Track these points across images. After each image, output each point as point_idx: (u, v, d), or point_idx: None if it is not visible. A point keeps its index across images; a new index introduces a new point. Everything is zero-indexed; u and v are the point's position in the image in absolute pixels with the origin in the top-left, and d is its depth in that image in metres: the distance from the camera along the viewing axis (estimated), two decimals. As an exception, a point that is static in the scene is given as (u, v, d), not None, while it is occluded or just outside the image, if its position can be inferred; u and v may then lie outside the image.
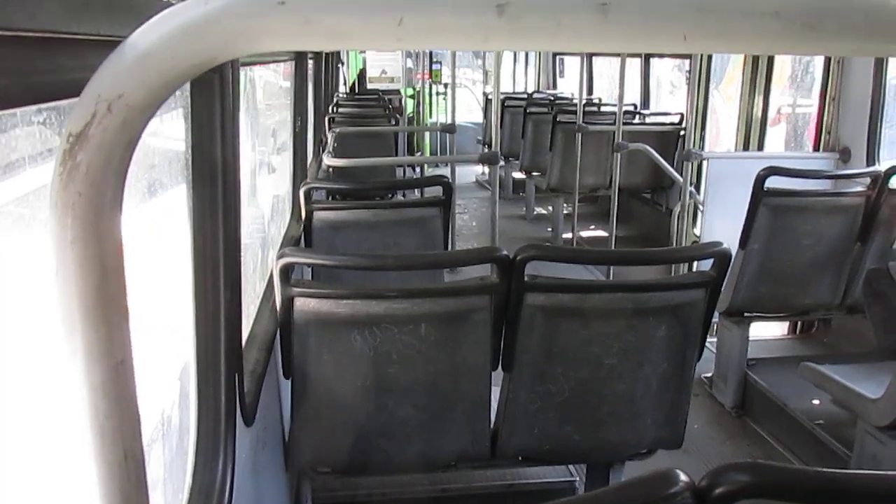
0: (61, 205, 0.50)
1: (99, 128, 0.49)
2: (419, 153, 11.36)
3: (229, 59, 0.52)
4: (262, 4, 0.49)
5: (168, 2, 0.85)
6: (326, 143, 5.61)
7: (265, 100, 4.54)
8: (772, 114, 5.79)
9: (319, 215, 3.45)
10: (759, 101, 5.58)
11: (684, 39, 0.54)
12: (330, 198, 4.93)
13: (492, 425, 2.44)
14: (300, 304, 2.18)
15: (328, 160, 4.48)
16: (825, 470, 1.00)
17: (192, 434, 1.60)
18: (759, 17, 0.53)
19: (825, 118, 4.89)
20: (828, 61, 4.88)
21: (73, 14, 0.80)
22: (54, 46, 0.79)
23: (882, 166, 4.16)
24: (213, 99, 1.54)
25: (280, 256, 2.18)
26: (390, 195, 5.71)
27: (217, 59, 0.51)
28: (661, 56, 8.20)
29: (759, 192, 3.69)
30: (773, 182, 3.70)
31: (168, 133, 1.63)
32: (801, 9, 0.53)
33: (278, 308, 2.20)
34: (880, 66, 4.53)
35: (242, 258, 1.84)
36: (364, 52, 10.49)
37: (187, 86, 1.55)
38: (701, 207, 5.03)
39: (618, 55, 5.93)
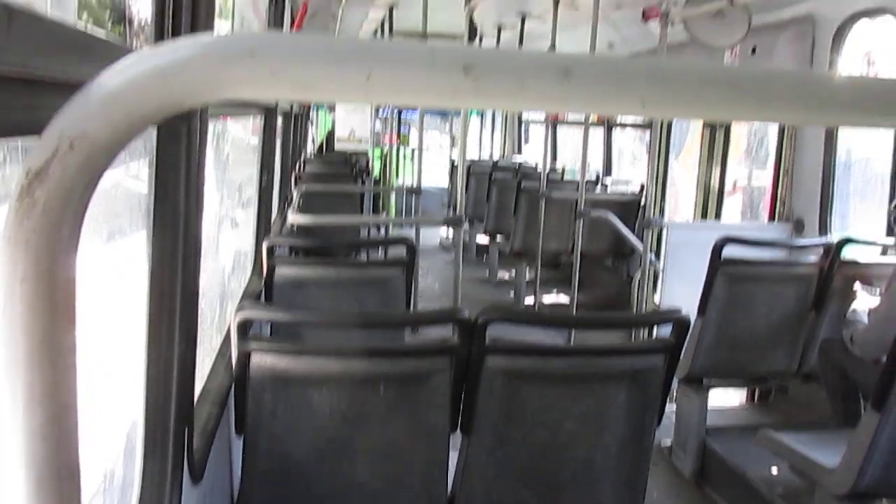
0: (14, 241, 0.49)
1: (60, 165, 0.49)
2: (385, 214, 11.42)
3: (197, 105, 0.52)
4: (231, 54, 0.49)
5: (138, 49, 0.86)
6: (292, 200, 5.61)
7: (233, 154, 4.54)
8: (728, 185, 5.97)
9: (281, 271, 3.41)
10: (716, 172, 5.76)
11: (642, 105, 0.56)
12: (293, 254, 4.89)
13: (449, 490, 2.39)
14: (257, 359, 2.14)
15: (293, 217, 4.46)
16: None
17: (136, 489, 1.54)
18: (713, 86, 0.56)
19: (779, 190, 5.05)
20: (781, 135, 5.08)
21: (43, 55, 0.80)
22: (20, 85, 0.79)
23: (834, 237, 4.30)
24: (180, 148, 1.54)
25: (239, 310, 2.15)
26: (354, 254, 5.69)
27: (185, 104, 0.52)
28: (623, 126, 8.46)
29: (717, 261, 3.78)
30: (729, 251, 3.79)
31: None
32: (752, 81, 0.56)
33: (234, 363, 2.15)
34: (831, 141, 4.72)
35: (200, 311, 1.80)
36: (333, 111, 10.62)
37: (154, 133, 1.54)
38: (661, 274, 5.11)
39: (582, 124, 6.09)
